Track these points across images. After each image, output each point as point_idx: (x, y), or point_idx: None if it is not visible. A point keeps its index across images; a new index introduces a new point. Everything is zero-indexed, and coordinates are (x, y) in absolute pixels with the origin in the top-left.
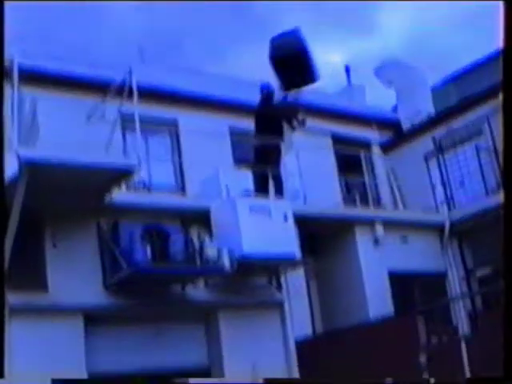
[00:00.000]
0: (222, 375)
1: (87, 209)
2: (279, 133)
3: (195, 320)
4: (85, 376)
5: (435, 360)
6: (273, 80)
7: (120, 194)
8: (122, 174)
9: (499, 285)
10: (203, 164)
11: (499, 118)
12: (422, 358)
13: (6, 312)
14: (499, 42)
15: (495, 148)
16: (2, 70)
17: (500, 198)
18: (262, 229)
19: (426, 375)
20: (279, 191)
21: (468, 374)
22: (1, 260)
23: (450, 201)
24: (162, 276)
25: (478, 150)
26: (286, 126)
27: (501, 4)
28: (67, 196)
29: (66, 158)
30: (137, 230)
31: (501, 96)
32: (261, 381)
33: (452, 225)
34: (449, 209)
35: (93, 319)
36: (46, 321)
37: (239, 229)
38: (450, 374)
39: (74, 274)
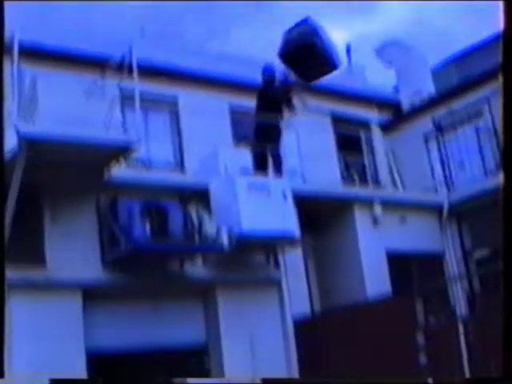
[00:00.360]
0: (219, 353)
1: (86, 185)
2: (279, 112)
3: (193, 297)
4: (83, 352)
5: (433, 340)
6: (274, 59)
7: (119, 171)
8: (121, 151)
9: (497, 266)
10: (203, 142)
11: (499, 100)
12: (420, 339)
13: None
14: (500, 25)
15: (495, 129)
16: (2, 47)
17: (499, 179)
18: (260, 207)
19: (423, 356)
20: (278, 170)
21: (465, 356)
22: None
23: (448, 182)
24: (161, 253)
25: (477, 131)
26: (285, 106)
27: (501, 4)
28: (66, 172)
29: (65, 134)
30: (136, 207)
31: (501, 78)
32: (258, 381)
33: (450, 206)
34: (448, 190)
35: (91, 295)
36: (44, 296)
37: (238, 207)
38: (447, 355)
39: (73, 250)
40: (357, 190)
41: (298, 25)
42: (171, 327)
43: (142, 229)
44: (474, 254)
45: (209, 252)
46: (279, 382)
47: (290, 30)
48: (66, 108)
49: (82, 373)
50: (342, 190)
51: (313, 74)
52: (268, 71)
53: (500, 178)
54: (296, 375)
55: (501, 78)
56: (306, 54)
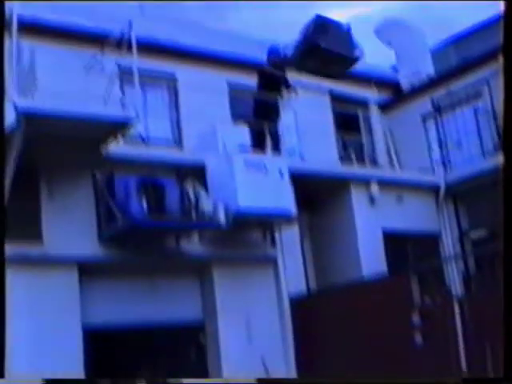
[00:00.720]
0: (215, 330)
1: (83, 160)
2: (279, 91)
3: (189, 274)
4: (79, 327)
5: (428, 320)
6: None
7: (116, 147)
8: (118, 126)
9: (493, 247)
10: (201, 119)
11: (499, 81)
12: (415, 318)
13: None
14: (500, 7)
15: (494, 111)
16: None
17: (497, 160)
18: (257, 184)
19: (418, 335)
20: (276, 148)
21: (460, 336)
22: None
23: (446, 162)
24: (157, 229)
25: (476, 112)
26: (284, 86)
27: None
28: (64, 147)
29: (63, 109)
30: (132, 183)
31: (501, 60)
32: (254, 381)
33: (448, 186)
34: (445, 170)
35: (87, 271)
36: (40, 272)
37: (235, 184)
38: (442, 335)
39: (70, 226)
40: (354, 169)
41: (306, 27)
42: (167, 304)
43: (139, 205)
44: (471, 235)
45: (205, 229)
46: (274, 382)
47: (300, 34)
48: (64, 83)
49: (78, 348)
50: (340, 169)
51: (333, 71)
52: (274, 53)
53: (498, 158)
54: (291, 353)
55: (501, 60)
56: (316, 56)
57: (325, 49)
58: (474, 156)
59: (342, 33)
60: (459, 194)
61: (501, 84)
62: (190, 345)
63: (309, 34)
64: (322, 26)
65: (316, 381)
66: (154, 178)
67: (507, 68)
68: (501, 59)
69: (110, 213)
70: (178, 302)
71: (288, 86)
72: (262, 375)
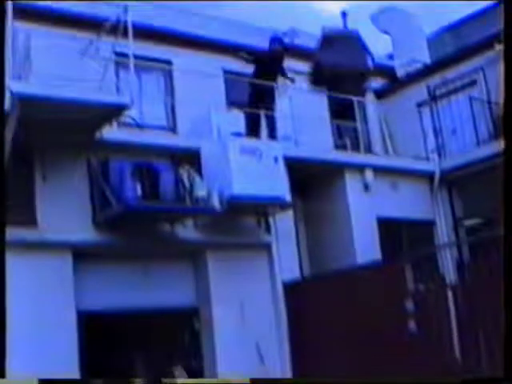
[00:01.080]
0: (209, 315)
1: (78, 145)
2: (275, 78)
3: (184, 259)
4: (74, 311)
5: (422, 307)
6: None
7: (111, 132)
8: (113, 111)
9: (488, 235)
10: (196, 104)
11: (494, 69)
12: (409, 305)
13: None
14: None
15: (489, 99)
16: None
17: (491, 148)
18: (252, 170)
19: (412, 322)
20: (271, 134)
21: (454, 323)
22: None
23: (441, 150)
24: (152, 214)
25: (471, 100)
26: (281, 73)
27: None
28: (59, 131)
29: (58, 94)
30: (127, 168)
31: (498, 48)
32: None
33: (442, 173)
34: (440, 157)
35: (82, 256)
36: (34, 256)
37: (230, 169)
38: (436, 322)
39: (64, 210)
40: (349, 156)
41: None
42: (161, 289)
43: (133, 190)
44: (465, 222)
45: (200, 214)
46: (267, 382)
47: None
48: (59, 67)
49: (72, 332)
50: (334, 156)
51: (349, 87)
52: (275, 41)
53: (493, 146)
54: (285, 338)
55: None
56: (328, 76)
57: (334, 67)
58: (469, 144)
59: (351, 42)
60: (454, 182)
61: (496, 72)
62: (183, 330)
63: (317, 54)
64: (329, 41)
65: (311, 381)
66: (148, 163)
67: (507, 68)
68: (497, 47)
69: (104, 197)
70: (171, 287)
71: (285, 74)
72: (256, 361)
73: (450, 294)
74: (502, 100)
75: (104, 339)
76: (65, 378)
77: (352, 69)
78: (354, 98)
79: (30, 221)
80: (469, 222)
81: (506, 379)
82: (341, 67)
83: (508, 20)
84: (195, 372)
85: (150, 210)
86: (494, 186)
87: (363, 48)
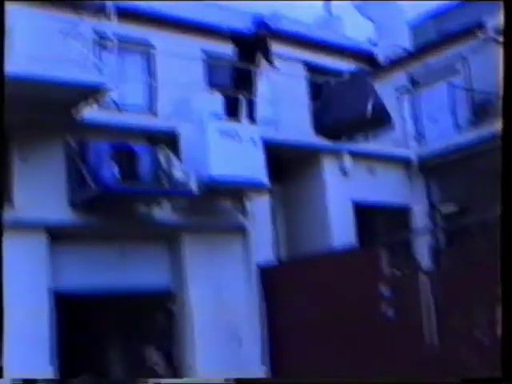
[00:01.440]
0: (185, 298)
1: (56, 125)
2: (255, 60)
3: (160, 241)
4: (49, 291)
5: (397, 292)
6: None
7: (90, 112)
8: (93, 91)
9: (464, 222)
10: (176, 86)
11: (475, 57)
12: (384, 290)
13: None
14: None
15: (470, 86)
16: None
17: (471, 136)
18: (230, 153)
19: (387, 307)
20: (251, 117)
21: (430, 308)
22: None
23: (420, 136)
24: (129, 195)
25: (452, 87)
26: (262, 55)
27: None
28: (37, 111)
29: (38, 73)
30: (105, 149)
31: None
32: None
33: (420, 160)
34: (418, 144)
35: (58, 237)
36: (10, 236)
37: (208, 152)
38: (412, 308)
39: (41, 190)
40: (327, 141)
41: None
42: (138, 270)
43: (111, 171)
44: (441, 209)
45: (177, 196)
46: (253, 383)
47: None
48: (40, 47)
49: (46, 312)
50: (313, 140)
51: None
52: (259, 24)
53: (472, 134)
54: (261, 321)
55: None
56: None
57: (341, 119)
58: (448, 131)
59: (357, 86)
60: (432, 169)
61: (478, 60)
62: (159, 311)
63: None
64: (336, 91)
65: (294, 381)
66: (127, 144)
67: (507, 68)
68: (479, 35)
69: (82, 178)
70: (148, 269)
71: (269, 58)
72: (233, 344)
73: (425, 279)
74: (501, 99)
75: (80, 321)
76: (37, 378)
77: (360, 117)
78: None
79: (7, 200)
80: (445, 209)
81: (505, 379)
82: (349, 117)
83: (508, 20)
84: (170, 354)
85: (128, 191)
86: (472, 173)
87: (371, 91)
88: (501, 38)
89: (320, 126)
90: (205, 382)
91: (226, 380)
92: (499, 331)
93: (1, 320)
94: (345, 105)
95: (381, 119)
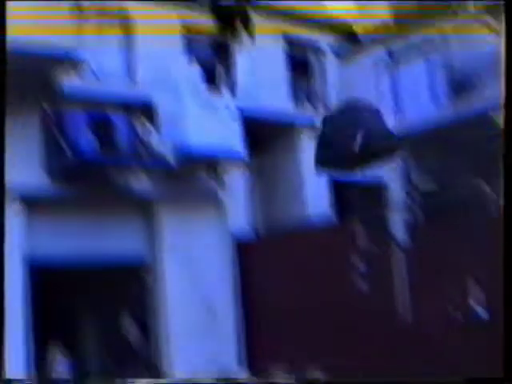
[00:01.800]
0: (160, 268)
1: (34, 94)
2: (234, 32)
3: (136, 212)
4: (22, 260)
5: (372, 267)
6: None
7: (69, 82)
8: (71, 61)
9: (441, 200)
10: (154, 57)
11: (456, 35)
12: (359, 265)
13: None
14: None
15: (449, 63)
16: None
17: (449, 114)
18: (208, 124)
19: (362, 282)
20: (228, 88)
21: (405, 283)
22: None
23: (398, 112)
24: (106, 165)
25: (431, 65)
26: (241, 27)
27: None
28: (13, 79)
29: (14, 39)
30: (83, 119)
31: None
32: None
33: (398, 137)
34: (397, 121)
35: (34, 205)
36: None
37: (185, 121)
38: (386, 282)
39: (16, 158)
40: (305, 115)
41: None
42: (113, 240)
43: (89, 140)
44: (419, 186)
45: (154, 167)
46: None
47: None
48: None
49: (19, 282)
50: (291, 113)
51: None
52: None
53: (449, 111)
54: (236, 293)
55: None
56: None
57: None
58: (427, 107)
59: (348, 117)
60: (411, 146)
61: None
62: (133, 281)
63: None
64: (331, 121)
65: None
66: (105, 114)
67: (508, 67)
68: (460, 12)
69: (58, 147)
70: (123, 239)
71: (248, 29)
72: (207, 317)
73: (400, 254)
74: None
75: (54, 289)
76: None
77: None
78: (313, 57)
79: None
80: (423, 187)
81: (506, 379)
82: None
83: (509, 20)
84: (145, 325)
85: (105, 161)
86: (449, 150)
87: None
88: (481, 16)
89: (320, 159)
90: (186, 381)
91: (218, 380)
92: (471, 305)
93: (2, 320)
94: (337, 138)
95: (371, 154)
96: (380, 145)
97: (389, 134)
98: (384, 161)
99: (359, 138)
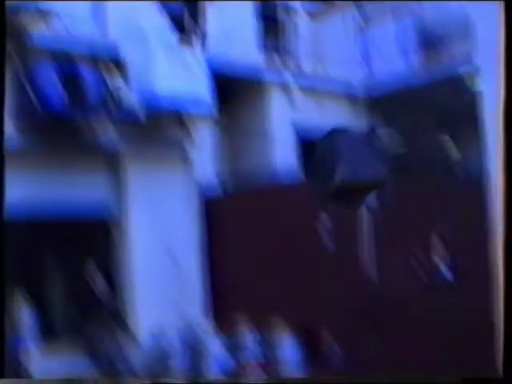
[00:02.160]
0: (127, 223)
1: (1, 44)
2: None
3: (103, 164)
4: None
5: (339, 226)
6: None
7: (37, 33)
8: (40, 14)
9: (411, 164)
10: (124, 9)
11: None
12: (327, 223)
13: None
14: None
15: (421, 25)
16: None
17: (422, 78)
18: (177, 77)
19: (329, 240)
20: (199, 42)
21: (371, 242)
22: None
23: (370, 74)
24: (75, 118)
25: (403, 25)
26: None
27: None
28: None
29: None
30: (52, 73)
31: None
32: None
33: (370, 99)
34: (368, 82)
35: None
36: None
37: (155, 75)
38: (353, 241)
39: None
40: (276, 73)
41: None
42: (80, 193)
43: (58, 93)
44: (391, 150)
45: (122, 120)
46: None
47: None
48: None
49: None
50: (262, 71)
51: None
52: None
53: (421, 75)
54: (202, 248)
55: None
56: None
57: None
58: (397, 68)
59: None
60: (381, 108)
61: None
62: (100, 233)
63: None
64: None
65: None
66: (73, 66)
67: (508, 67)
68: None
69: (28, 101)
70: (90, 191)
71: None
72: (173, 272)
73: (366, 214)
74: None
75: (21, 242)
76: None
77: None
78: (284, 14)
79: None
80: (393, 150)
81: (506, 379)
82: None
83: (509, 20)
84: (111, 275)
85: (74, 114)
86: (419, 113)
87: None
88: None
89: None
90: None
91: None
92: (435, 262)
93: (1, 322)
94: (320, 171)
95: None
96: (363, 180)
97: (374, 168)
98: (369, 194)
99: (339, 173)
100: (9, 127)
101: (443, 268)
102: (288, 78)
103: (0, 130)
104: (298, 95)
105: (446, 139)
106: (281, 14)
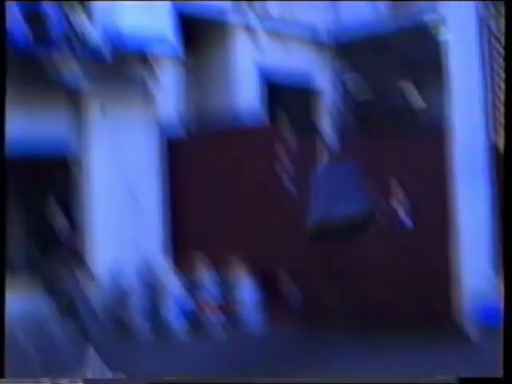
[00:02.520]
0: (88, 162)
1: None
2: None
3: (68, 106)
4: None
5: (301, 170)
6: None
7: None
8: None
9: (376, 111)
10: None
11: None
12: (289, 167)
13: None
14: None
15: None
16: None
17: (389, 24)
18: (143, 17)
19: (288, 183)
20: None
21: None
22: None
23: (337, 20)
24: (39, 56)
25: None
26: None
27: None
28: None
29: None
30: (16, 10)
31: None
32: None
33: (338, 44)
34: (335, 28)
35: None
36: None
37: (120, 15)
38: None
39: None
40: (242, 15)
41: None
42: (42, 131)
43: (22, 30)
44: (356, 96)
45: (87, 58)
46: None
47: None
48: None
49: None
50: (228, 13)
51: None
52: None
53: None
54: (163, 189)
55: None
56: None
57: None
58: (364, 14)
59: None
60: (346, 53)
61: None
62: (61, 171)
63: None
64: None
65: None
66: (38, 3)
67: (508, 67)
68: None
69: None
70: (52, 130)
71: None
72: (134, 212)
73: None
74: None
75: None
76: None
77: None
78: None
79: None
80: (360, 97)
81: (506, 379)
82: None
83: (509, 20)
84: (71, 213)
85: (38, 52)
86: (386, 61)
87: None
88: None
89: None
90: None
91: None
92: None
93: (1, 322)
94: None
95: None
96: (340, 221)
97: (353, 206)
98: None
99: (313, 215)
100: None
101: (402, 214)
102: (254, 20)
103: None
104: (263, 38)
105: (411, 87)
106: None
